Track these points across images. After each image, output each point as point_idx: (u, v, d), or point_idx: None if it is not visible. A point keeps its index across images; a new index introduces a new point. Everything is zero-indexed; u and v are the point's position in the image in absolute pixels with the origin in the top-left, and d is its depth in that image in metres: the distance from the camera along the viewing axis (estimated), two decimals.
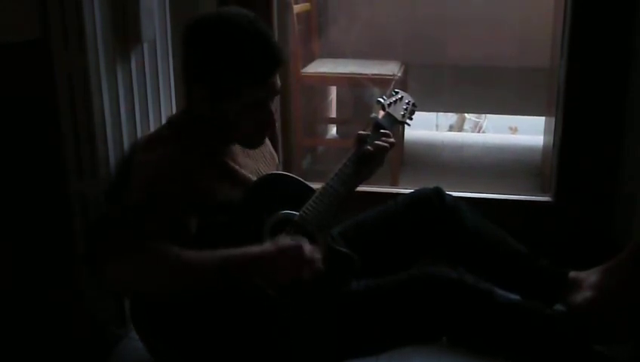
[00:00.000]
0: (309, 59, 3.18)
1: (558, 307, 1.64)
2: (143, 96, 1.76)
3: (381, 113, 1.71)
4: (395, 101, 1.74)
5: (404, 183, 2.82)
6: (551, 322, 1.54)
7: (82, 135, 1.58)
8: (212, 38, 1.42)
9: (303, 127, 2.96)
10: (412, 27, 3.41)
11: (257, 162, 1.62)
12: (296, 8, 2.86)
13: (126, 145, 1.68)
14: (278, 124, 2.33)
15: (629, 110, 2.01)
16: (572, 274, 1.65)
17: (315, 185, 1.55)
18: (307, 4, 3.17)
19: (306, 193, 1.51)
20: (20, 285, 1.66)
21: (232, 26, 1.42)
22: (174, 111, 1.88)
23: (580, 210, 2.10)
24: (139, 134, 1.73)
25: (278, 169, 1.77)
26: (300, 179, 1.56)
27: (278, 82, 1.47)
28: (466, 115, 4.74)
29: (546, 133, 2.95)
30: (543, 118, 3.09)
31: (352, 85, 3.11)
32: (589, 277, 1.62)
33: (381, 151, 1.62)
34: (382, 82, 2.80)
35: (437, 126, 4.72)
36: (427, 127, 4.37)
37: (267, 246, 1.33)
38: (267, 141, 1.70)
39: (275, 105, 1.52)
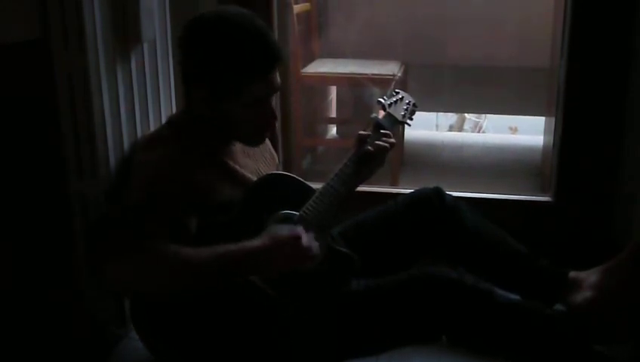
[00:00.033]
0: (309, 59, 3.17)
1: (558, 307, 1.64)
2: (143, 96, 1.76)
3: (381, 113, 1.71)
4: (396, 101, 1.74)
5: (404, 183, 2.82)
6: (551, 322, 1.54)
7: (82, 135, 1.58)
8: (209, 38, 1.42)
9: (303, 127, 2.96)
10: (412, 27, 3.41)
11: (257, 162, 1.62)
12: (296, 8, 2.86)
13: (126, 145, 1.68)
14: (278, 124, 2.32)
15: (629, 110, 2.01)
16: (572, 274, 1.65)
17: (315, 185, 1.55)
18: (307, 4, 3.17)
19: (306, 193, 1.51)
20: (20, 285, 1.66)
21: (229, 25, 1.42)
22: (174, 111, 1.88)
23: (580, 210, 2.10)
24: (139, 134, 1.73)
25: (278, 169, 1.77)
26: (300, 179, 1.56)
27: (278, 79, 1.47)
28: (466, 115, 4.74)
29: (546, 133, 2.95)
30: (543, 118, 3.09)
31: (352, 85, 3.11)
32: (589, 277, 1.62)
33: (381, 151, 1.62)
34: (382, 82, 2.80)
35: (437, 126, 4.72)
36: (427, 127, 4.37)
37: (264, 238, 1.33)
38: (267, 141, 1.70)
39: (275, 105, 1.52)
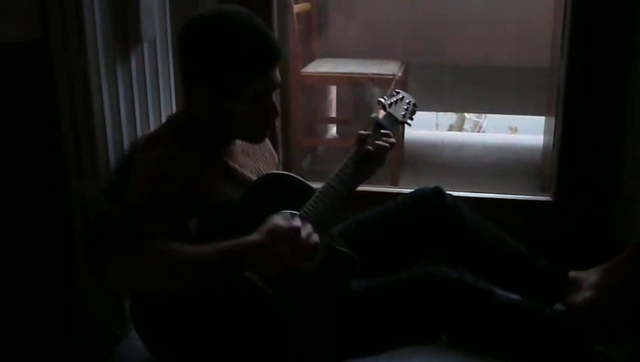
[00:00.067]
0: (309, 59, 3.18)
1: (558, 307, 1.64)
2: (143, 96, 1.76)
3: (382, 113, 1.71)
4: (396, 101, 1.74)
5: (404, 183, 2.82)
6: (551, 322, 1.54)
7: (82, 135, 1.58)
8: (208, 38, 1.42)
9: (303, 127, 2.96)
10: (412, 27, 3.42)
11: (257, 162, 1.62)
12: (296, 8, 2.86)
13: (126, 145, 1.68)
14: (278, 124, 2.33)
15: (629, 110, 2.01)
16: (572, 274, 1.65)
17: (315, 185, 1.55)
18: (307, 4, 3.17)
19: (306, 193, 1.51)
20: (20, 285, 1.66)
21: (227, 24, 1.42)
22: (174, 111, 1.88)
23: (580, 210, 2.10)
24: (139, 134, 1.73)
25: (278, 168, 1.77)
26: (300, 178, 1.56)
27: (278, 76, 1.47)
28: (466, 114, 4.74)
29: (546, 133, 2.95)
30: (543, 118, 3.09)
31: (352, 85, 3.11)
32: (589, 277, 1.62)
33: (382, 151, 1.62)
34: (382, 82, 2.80)
35: (437, 126, 4.72)
36: (427, 127, 4.37)
37: (262, 232, 1.33)
38: (267, 141, 1.70)
39: (276, 102, 1.52)
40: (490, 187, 2.52)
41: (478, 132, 4.78)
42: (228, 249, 1.31)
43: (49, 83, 1.55)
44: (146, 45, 1.75)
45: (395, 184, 2.82)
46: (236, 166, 1.52)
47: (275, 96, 1.51)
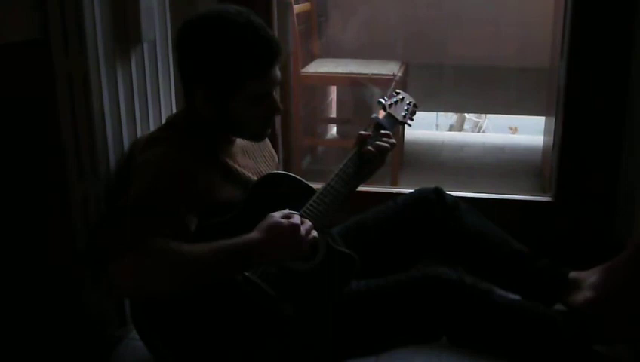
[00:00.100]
0: (309, 59, 3.18)
1: (558, 307, 1.64)
2: (143, 96, 1.76)
3: (382, 113, 1.71)
4: (396, 101, 1.75)
5: (404, 183, 2.82)
6: (551, 322, 1.54)
7: (82, 135, 1.58)
8: (207, 38, 1.42)
9: (303, 127, 2.96)
10: (412, 27, 3.42)
11: (258, 162, 1.62)
12: (297, 8, 2.86)
13: (126, 145, 1.68)
14: (278, 124, 2.33)
15: (629, 110, 2.01)
16: (572, 274, 1.65)
17: (315, 185, 1.55)
18: (307, 4, 3.18)
19: (306, 193, 1.51)
20: (20, 285, 1.66)
21: (225, 23, 1.41)
22: (174, 111, 1.88)
23: (580, 210, 2.10)
24: (139, 134, 1.73)
25: (278, 169, 1.77)
26: (300, 179, 1.56)
27: (278, 73, 1.47)
28: (466, 114, 4.75)
29: (546, 133, 2.95)
30: (543, 118, 3.09)
31: (352, 85, 3.11)
32: (589, 277, 1.62)
33: (382, 151, 1.63)
34: (382, 82, 2.80)
35: (437, 126, 4.73)
36: (427, 127, 4.37)
37: (263, 230, 1.34)
38: (267, 141, 1.70)
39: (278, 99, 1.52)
40: (490, 187, 2.52)
41: (478, 132, 4.78)
42: (228, 247, 1.32)
43: (49, 83, 1.55)
44: (146, 45, 1.75)
45: (395, 184, 2.82)
46: (236, 166, 1.52)
47: (276, 94, 1.51)
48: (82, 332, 1.67)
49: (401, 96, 1.76)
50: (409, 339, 1.57)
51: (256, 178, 1.53)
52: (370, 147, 1.61)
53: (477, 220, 1.73)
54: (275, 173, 1.58)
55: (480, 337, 1.55)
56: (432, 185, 1.77)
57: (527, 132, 4.18)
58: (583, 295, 1.59)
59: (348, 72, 2.98)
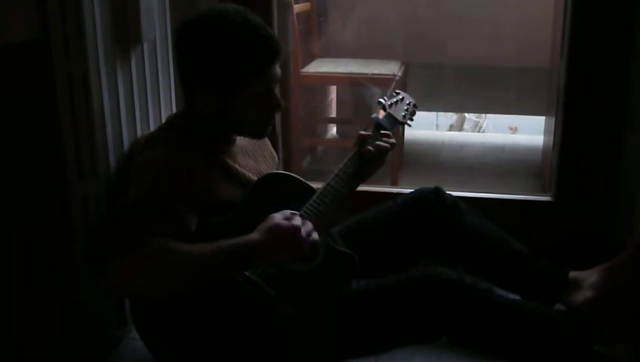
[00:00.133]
0: (309, 59, 3.18)
1: (558, 307, 1.64)
2: (143, 96, 1.76)
3: (382, 113, 1.71)
4: (396, 102, 1.75)
5: (404, 183, 2.82)
6: (551, 322, 1.54)
7: (82, 135, 1.58)
8: (206, 38, 1.42)
9: (303, 127, 2.96)
10: (412, 27, 3.42)
11: (258, 162, 1.62)
12: (296, 8, 2.86)
13: (126, 145, 1.68)
14: (278, 124, 2.33)
15: (629, 110, 2.01)
16: (572, 274, 1.65)
17: (315, 185, 1.55)
18: (307, 4, 3.17)
19: (306, 193, 1.51)
20: (20, 285, 1.66)
21: (224, 23, 1.41)
22: (174, 111, 1.88)
23: (580, 210, 2.10)
24: (139, 134, 1.73)
25: (278, 168, 1.77)
26: (300, 178, 1.56)
27: (279, 70, 1.47)
28: (466, 114, 4.75)
29: (546, 133, 2.95)
30: (543, 118, 3.09)
31: (352, 85, 3.11)
32: (589, 277, 1.62)
33: (382, 151, 1.63)
34: (382, 82, 2.80)
35: (437, 126, 4.73)
36: (427, 127, 4.37)
37: (263, 231, 1.34)
38: (267, 141, 1.71)
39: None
40: (490, 187, 2.52)
41: (478, 132, 4.78)
42: (228, 247, 1.32)
43: (49, 83, 1.55)
44: (146, 45, 1.75)
45: (395, 184, 2.82)
46: (237, 166, 1.52)
47: (277, 90, 1.50)
48: (82, 332, 1.67)
49: (401, 97, 1.76)
50: (409, 339, 1.57)
51: (256, 178, 1.53)
52: (370, 147, 1.61)
53: (477, 220, 1.73)
54: (275, 173, 1.58)
55: (480, 337, 1.55)
56: (432, 185, 1.77)
57: (527, 132, 4.18)
58: (583, 295, 1.59)
59: (348, 71, 2.98)
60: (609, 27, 1.97)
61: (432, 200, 1.72)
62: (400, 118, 1.73)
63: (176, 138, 1.46)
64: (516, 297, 1.67)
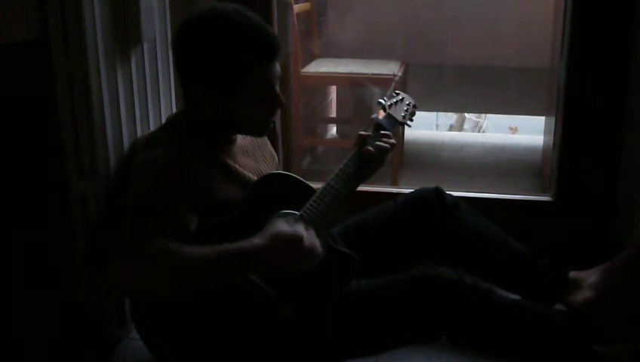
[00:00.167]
0: (309, 59, 3.18)
1: (558, 307, 1.64)
2: (143, 96, 1.76)
3: (382, 114, 1.71)
4: (396, 102, 1.75)
5: (404, 183, 2.82)
6: (551, 322, 1.54)
7: (82, 135, 1.58)
8: (205, 38, 1.42)
9: (303, 127, 2.96)
10: (412, 27, 3.42)
11: (258, 162, 1.62)
12: (297, 8, 2.86)
13: (126, 145, 1.68)
14: (278, 124, 2.33)
15: (629, 110, 2.01)
16: (572, 274, 1.65)
17: (315, 185, 1.55)
18: (307, 4, 3.18)
19: (306, 193, 1.51)
20: (20, 285, 1.66)
21: (223, 22, 1.41)
22: (174, 111, 1.88)
23: (580, 210, 2.10)
24: (139, 134, 1.73)
25: (278, 169, 1.77)
26: (300, 178, 1.56)
27: (278, 67, 1.47)
28: (466, 114, 4.75)
29: (546, 133, 2.95)
30: (543, 118, 3.09)
31: (352, 85, 3.11)
32: (589, 277, 1.62)
33: (382, 151, 1.63)
34: (382, 82, 2.80)
35: (437, 126, 4.73)
36: (427, 127, 4.38)
37: (265, 237, 1.33)
38: (267, 141, 1.71)
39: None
40: (490, 187, 2.52)
41: (478, 132, 4.78)
42: (230, 251, 1.31)
43: (49, 83, 1.55)
44: (146, 45, 1.75)
45: (395, 184, 2.82)
46: (237, 166, 1.52)
47: (277, 87, 1.51)
48: (82, 332, 1.67)
49: (400, 97, 1.76)
50: (409, 339, 1.57)
51: (256, 178, 1.52)
52: (370, 147, 1.61)
53: (477, 220, 1.73)
54: (275, 173, 1.58)
55: (480, 337, 1.55)
56: (432, 185, 1.77)
57: (527, 132, 4.18)
58: (583, 295, 1.59)
59: (348, 71, 2.98)
60: (609, 27, 1.97)
61: (432, 200, 1.72)
62: (400, 119, 1.73)
63: (177, 138, 1.46)
64: (516, 297, 1.67)
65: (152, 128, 1.76)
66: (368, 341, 1.53)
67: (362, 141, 1.63)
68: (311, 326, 1.44)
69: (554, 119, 2.24)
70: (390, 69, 2.94)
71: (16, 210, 1.62)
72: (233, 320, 1.38)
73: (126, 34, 1.66)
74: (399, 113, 1.74)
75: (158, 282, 1.28)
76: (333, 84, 3.51)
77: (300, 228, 1.37)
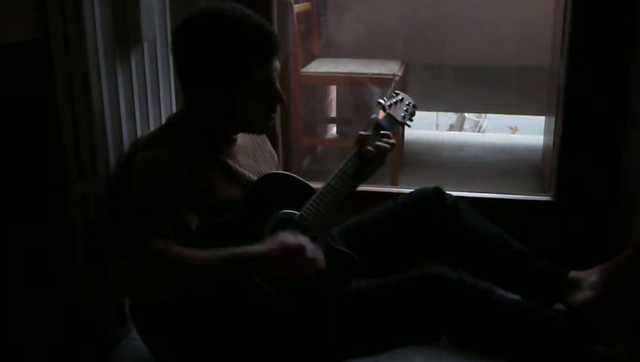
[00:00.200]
0: (309, 59, 3.18)
1: (558, 307, 1.64)
2: (143, 96, 1.76)
3: (381, 114, 1.71)
4: (396, 102, 1.75)
5: (404, 183, 2.82)
6: (551, 322, 1.54)
7: (82, 135, 1.58)
8: (205, 38, 1.42)
9: (303, 127, 2.96)
10: (412, 27, 3.42)
11: (258, 162, 1.62)
12: (296, 8, 2.86)
13: (126, 145, 1.68)
14: (278, 124, 2.33)
15: (629, 110, 2.02)
16: (572, 274, 1.65)
17: (315, 185, 1.55)
18: (307, 3, 3.17)
19: (306, 193, 1.51)
20: (20, 285, 1.66)
21: (221, 21, 1.41)
22: (174, 111, 1.88)
23: (580, 210, 2.10)
24: (139, 134, 1.73)
25: (278, 168, 1.77)
26: (300, 178, 1.56)
27: (278, 65, 1.47)
28: (466, 114, 4.75)
29: (546, 133, 2.95)
30: (543, 118, 3.09)
31: (352, 85, 3.11)
32: (589, 277, 1.62)
33: (382, 151, 1.63)
34: (382, 82, 2.80)
35: (437, 126, 4.73)
36: (427, 127, 4.37)
37: (270, 244, 1.34)
38: (267, 141, 1.71)
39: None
40: (490, 187, 2.52)
41: (478, 132, 4.78)
42: (231, 256, 1.31)
43: (49, 83, 1.55)
44: (146, 45, 1.75)
45: (395, 184, 2.82)
46: (237, 166, 1.52)
47: (278, 84, 1.51)
48: (82, 332, 1.67)
49: (400, 97, 1.76)
50: (409, 339, 1.57)
51: (256, 178, 1.52)
52: (370, 147, 1.61)
53: (477, 220, 1.73)
54: (275, 173, 1.58)
55: (480, 337, 1.55)
56: (432, 185, 1.77)
57: (527, 132, 4.18)
58: (583, 295, 1.59)
59: (348, 71, 2.98)
60: (609, 27, 1.97)
61: (432, 200, 1.72)
62: (399, 119, 1.73)
63: (177, 138, 1.46)
64: (516, 297, 1.67)
65: (152, 128, 1.76)
66: (368, 341, 1.53)
67: (362, 141, 1.63)
68: (311, 326, 1.44)
69: (554, 119, 2.24)
70: (390, 68, 2.94)
71: (16, 210, 1.62)
72: (233, 320, 1.38)
73: (126, 34, 1.66)
74: (399, 113, 1.74)
75: (157, 282, 1.29)
76: (333, 84, 3.51)
77: (304, 240, 1.37)
